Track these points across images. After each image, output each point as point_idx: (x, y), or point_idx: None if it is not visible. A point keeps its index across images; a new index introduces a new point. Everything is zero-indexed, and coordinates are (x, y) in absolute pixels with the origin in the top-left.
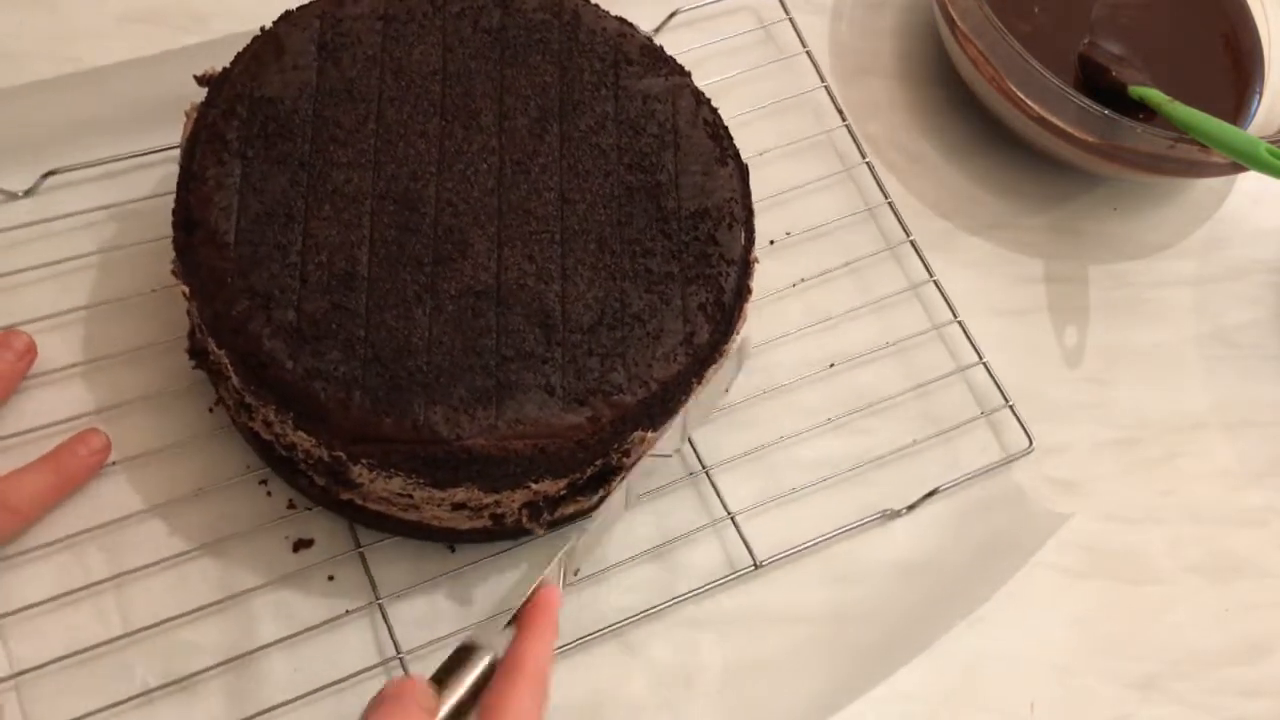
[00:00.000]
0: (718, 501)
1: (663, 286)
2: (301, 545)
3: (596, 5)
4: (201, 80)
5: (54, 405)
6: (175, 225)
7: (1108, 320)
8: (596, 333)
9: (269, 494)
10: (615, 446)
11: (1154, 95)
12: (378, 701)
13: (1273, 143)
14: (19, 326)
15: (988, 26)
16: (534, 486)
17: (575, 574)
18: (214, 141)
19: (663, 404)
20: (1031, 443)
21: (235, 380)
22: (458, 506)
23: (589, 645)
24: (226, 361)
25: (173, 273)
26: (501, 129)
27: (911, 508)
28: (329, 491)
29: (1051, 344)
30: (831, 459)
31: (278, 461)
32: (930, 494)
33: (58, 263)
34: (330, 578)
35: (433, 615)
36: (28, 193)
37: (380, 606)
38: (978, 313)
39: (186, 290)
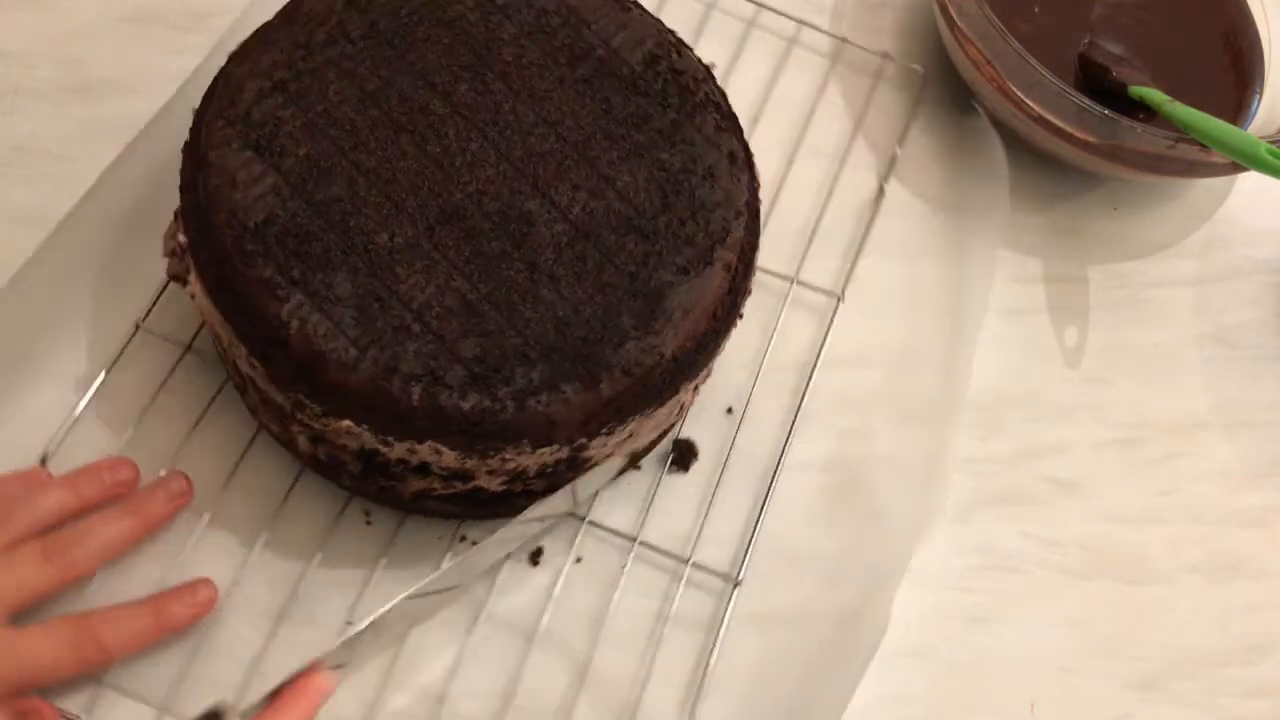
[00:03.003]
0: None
1: (678, 132)
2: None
3: None
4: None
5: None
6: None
7: (1108, 320)
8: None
9: (369, 522)
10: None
11: (1154, 95)
12: None
13: (1273, 143)
14: None
15: (988, 26)
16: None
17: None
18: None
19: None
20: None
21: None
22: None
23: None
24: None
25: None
26: (459, 114)
27: None
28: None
29: (1051, 344)
30: None
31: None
32: None
33: None
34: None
35: None
36: None
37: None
38: None
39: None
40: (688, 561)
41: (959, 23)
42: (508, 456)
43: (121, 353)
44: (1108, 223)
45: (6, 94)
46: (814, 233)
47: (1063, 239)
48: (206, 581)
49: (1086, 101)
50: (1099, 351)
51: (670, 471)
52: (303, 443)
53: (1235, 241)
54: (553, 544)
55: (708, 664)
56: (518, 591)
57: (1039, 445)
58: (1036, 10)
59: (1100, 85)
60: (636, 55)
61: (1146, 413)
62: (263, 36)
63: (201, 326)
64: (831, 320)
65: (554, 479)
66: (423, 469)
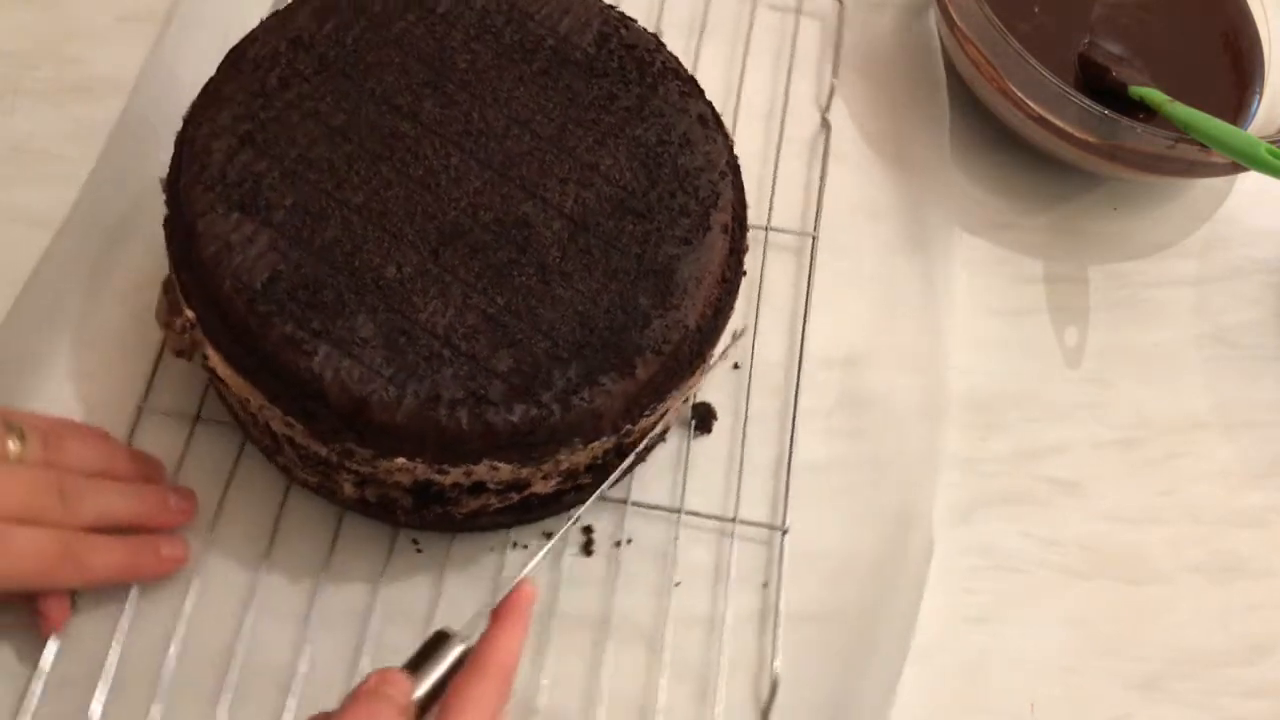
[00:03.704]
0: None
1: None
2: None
3: None
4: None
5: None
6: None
7: (1108, 320)
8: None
9: (419, 550)
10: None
11: (1154, 95)
12: (356, 695)
13: (1273, 143)
14: None
15: (988, 26)
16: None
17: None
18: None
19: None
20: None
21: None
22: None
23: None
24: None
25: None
26: (431, 132)
27: None
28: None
29: (1051, 344)
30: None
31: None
32: None
33: None
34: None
35: None
36: None
37: None
38: (978, 313)
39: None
40: (734, 520)
41: (959, 23)
42: (561, 458)
43: (130, 439)
44: (1108, 223)
45: (6, 94)
46: (775, 179)
47: (1063, 239)
48: (180, 539)
49: (1086, 101)
50: (1099, 351)
51: (695, 437)
52: (348, 489)
53: (1235, 241)
54: (601, 531)
55: (776, 610)
56: (579, 585)
57: (1039, 445)
58: (1036, 10)
59: (1100, 85)
60: (586, 38)
61: (1146, 413)
62: (215, 93)
63: (205, 394)
64: (812, 260)
65: (603, 470)
66: (477, 488)
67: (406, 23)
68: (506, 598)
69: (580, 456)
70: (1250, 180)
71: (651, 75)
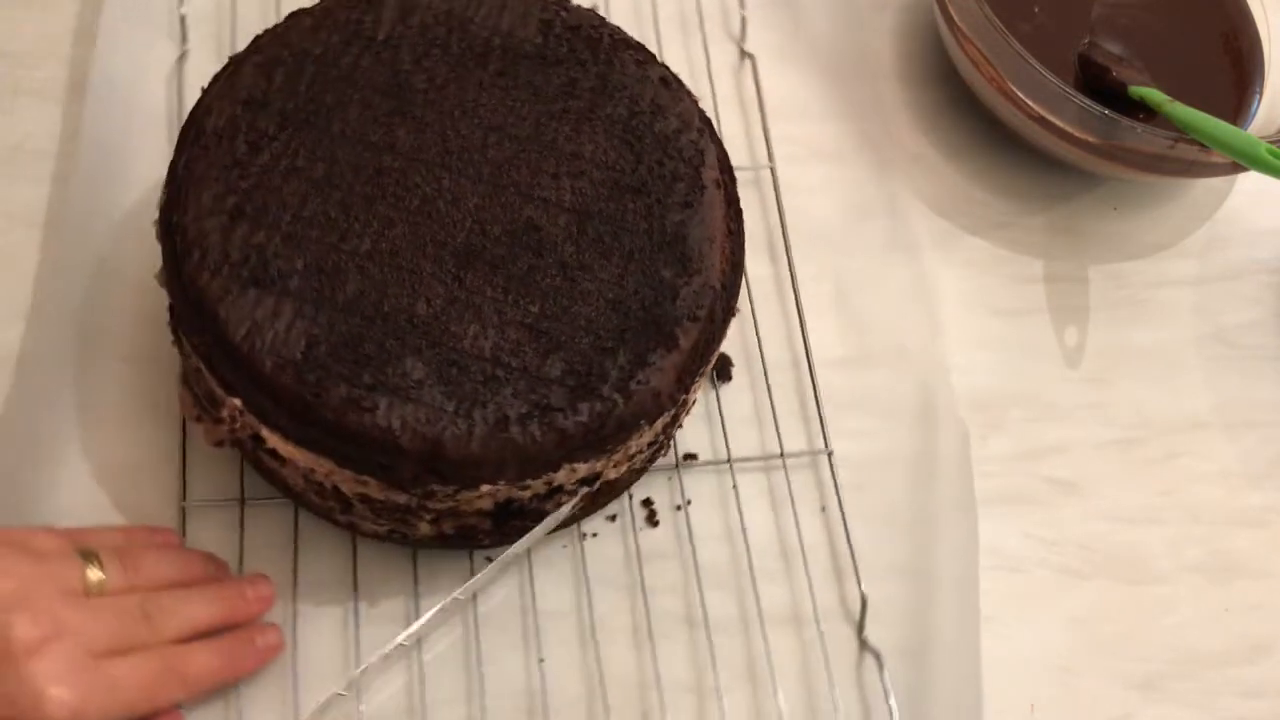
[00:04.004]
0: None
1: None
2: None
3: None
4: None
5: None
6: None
7: (1108, 320)
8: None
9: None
10: None
11: (1154, 95)
12: None
13: (1273, 143)
14: None
15: (988, 26)
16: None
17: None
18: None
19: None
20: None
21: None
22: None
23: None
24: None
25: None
26: (414, 160)
27: None
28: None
29: (1051, 344)
30: None
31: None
32: None
33: None
34: None
35: None
36: None
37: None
38: (978, 313)
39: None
40: (780, 456)
41: (959, 23)
42: (631, 443)
43: (184, 540)
44: (1108, 223)
45: (6, 94)
46: (717, 118)
47: (1063, 239)
48: (271, 627)
49: (1086, 101)
50: (1099, 351)
51: (720, 386)
52: (424, 528)
53: (1235, 241)
54: (660, 500)
55: (846, 530)
56: (655, 557)
57: (1039, 445)
58: (1036, 10)
59: (1100, 85)
60: (530, 29)
61: (1146, 413)
62: (187, 175)
63: (243, 474)
64: (776, 192)
65: (662, 444)
66: (553, 492)
67: (352, 57)
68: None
69: (646, 436)
70: (1250, 180)
71: (604, 51)
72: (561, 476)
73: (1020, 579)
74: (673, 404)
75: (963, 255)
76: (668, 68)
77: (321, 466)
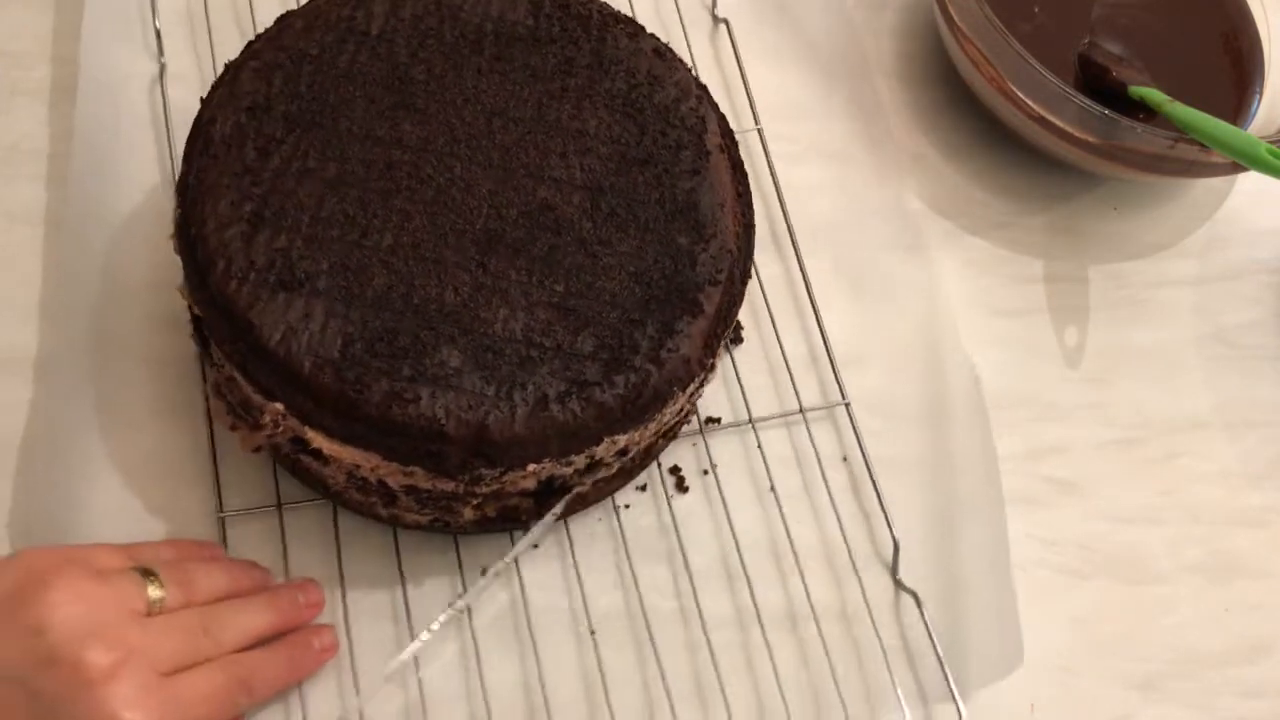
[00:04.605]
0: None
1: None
2: None
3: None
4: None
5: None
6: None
7: (1108, 320)
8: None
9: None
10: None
11: (1154, 95)
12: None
13: (1273, 143)
14: None
15: (988, 26)
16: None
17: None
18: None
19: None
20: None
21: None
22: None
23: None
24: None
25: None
26: (422, 151)
27: None
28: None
29: (1051, 344)
30: None
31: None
32: None
33: None
34: None
35: None
36: None
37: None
38: (978, 312)
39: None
40: (800, 411)
41: (959, 23)
42: (665, 410)
43: (227, 551)
44: (1108, 223)
45: (3, 94)
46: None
47: (1063, 239)
48: (326, 628)
49: (1086, 101)
50: (1099, 351)
51: (733, 349)
52: (468, 514)
53: (1235, 241)
54: (687, 467)
55: (872, 478)
56: (691, 523)
57: (1039, 445)
58: (1036, 10)
59: (1100, 85)
60: (520, 11)
61: (1146, 413)
62: (198, 185)
63: (276, 478)
64: (765, 151)
65: (688, 410)
66: (592, 466)
67: (349, 54)
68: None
69: (678, 403)
70: (1250, 180)
71: (595, 27)
72: (602, 450)
73: (1020, 579)
74: (701, 369)
75: (963, 255)
76: (658, 39)
77: (368, 461)
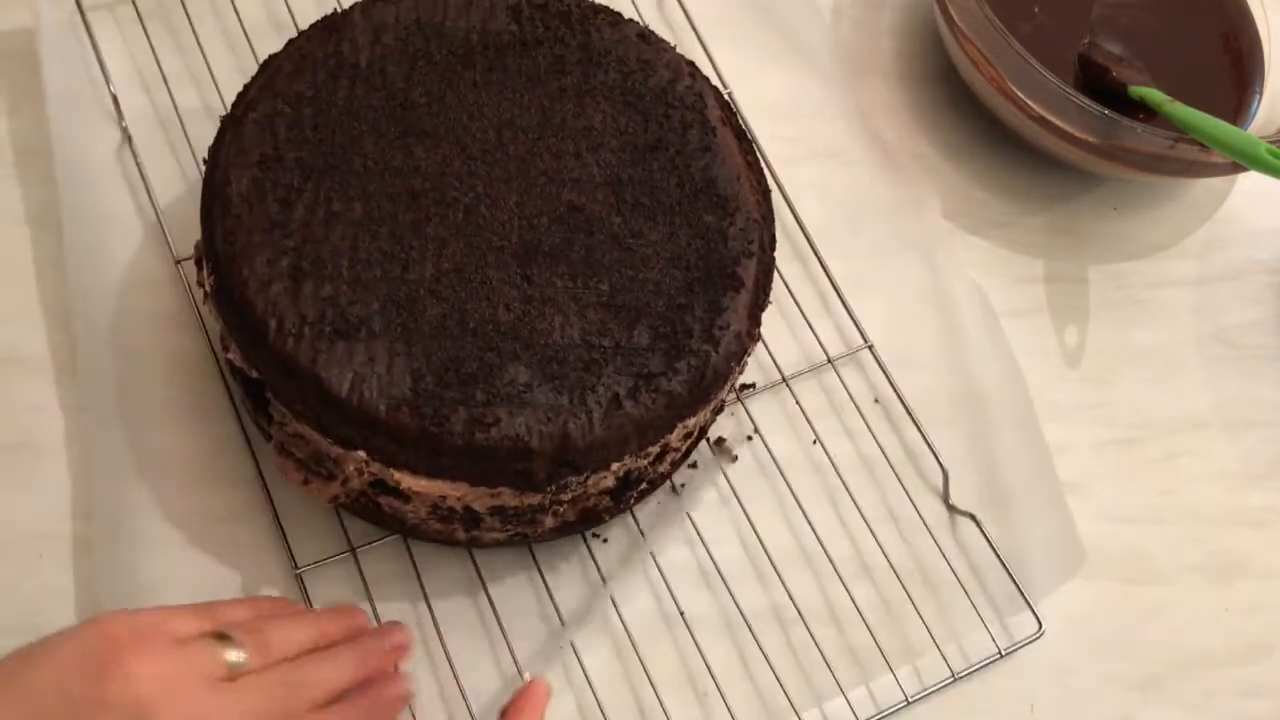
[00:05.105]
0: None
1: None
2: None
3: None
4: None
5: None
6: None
7: (1108, 320)
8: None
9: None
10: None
11: (1154, 95)
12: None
13: (1273, 143)
14: None
15: (988, 26)
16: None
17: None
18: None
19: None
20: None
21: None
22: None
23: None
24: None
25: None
26: (442, 174)
27: None
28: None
29: (1051, 344)
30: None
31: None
32: None
33: None
34: None
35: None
36: None
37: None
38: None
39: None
40: (828, 361)
41: (959, 23)
42: (725, 388)
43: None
44: (1108, 223)
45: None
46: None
47: (1063, 239)
48: (397, 676)
49: (1086, 101)
50: (1099, 351)
51: None
52: (550, 521)
53: (1235, 241)
54: (731, 436)
55: (910, 414)
56: (747, 492)
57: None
58: (1036, 10)
59: (1100, 85)
60: (501, 18)
61: (1147, 413)
62: (230, 246)
63: (343, 523)
64: (740, 118)
65: (734, 382)
66: (663, 453)
67: (345, 89)
68: (518, 696)
69: (736, 378)
70: (1250, 180)
71: (578, 22)
72: (674, 437)
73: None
74: (751, 340)
75: (963, 255)
76: (639, 23)
77: (455, 491)
